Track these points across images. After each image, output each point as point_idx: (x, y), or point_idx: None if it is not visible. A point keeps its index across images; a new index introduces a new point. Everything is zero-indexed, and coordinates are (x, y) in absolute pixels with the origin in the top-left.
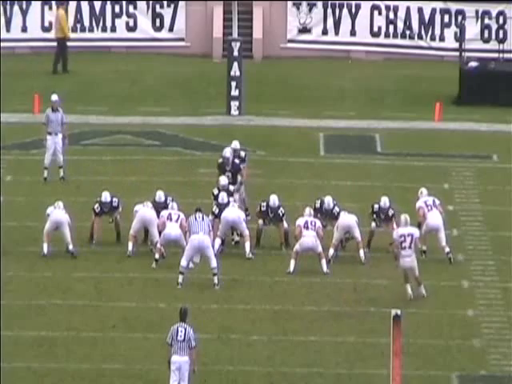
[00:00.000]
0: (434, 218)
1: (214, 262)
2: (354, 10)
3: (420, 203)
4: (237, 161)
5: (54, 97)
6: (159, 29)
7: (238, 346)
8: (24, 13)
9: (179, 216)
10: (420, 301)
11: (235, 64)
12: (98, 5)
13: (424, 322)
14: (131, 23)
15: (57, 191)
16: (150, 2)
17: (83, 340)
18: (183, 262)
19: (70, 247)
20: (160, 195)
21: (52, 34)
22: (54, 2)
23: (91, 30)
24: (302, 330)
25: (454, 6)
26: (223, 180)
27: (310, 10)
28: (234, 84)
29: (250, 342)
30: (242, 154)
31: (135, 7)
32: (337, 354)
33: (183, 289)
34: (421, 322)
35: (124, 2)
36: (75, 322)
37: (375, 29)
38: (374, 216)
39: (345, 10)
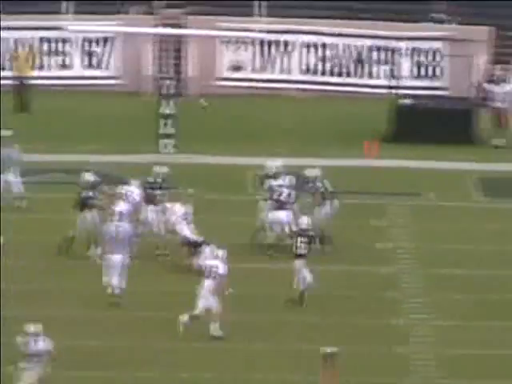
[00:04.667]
0: None
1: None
2: (284, 48)
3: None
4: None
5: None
6: (92, 67)
7: None
8: None
9: None
10: (355, 338)
11: (165, 102)
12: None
13: (358, 360)
14: (66, 61)
15: None
16: (84, 41)
17: None
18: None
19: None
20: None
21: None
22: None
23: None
24: None
25: (387, 43)
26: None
27: (241, 47)
28: (163, 122)
29: None
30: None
31: (69, 45)
32: None
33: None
34: (355, 359)
35: (57, 41)
36: None
37: (304, 67)
38: None
39: (275, 48)
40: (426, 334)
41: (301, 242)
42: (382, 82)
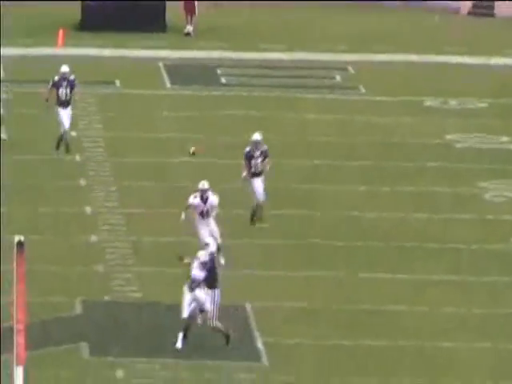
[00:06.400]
0: None
1: None
2: None
3: None
4: None
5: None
6: None
7: None
8: None
9: None
10: (41, 228)
11: None
12: None
13: (47, 249)
14: None
15: None
16: None
17: None
18: None
19: None
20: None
21: None
22: None
23: None
24: None
25: None
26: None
27: None
28: None
29: None
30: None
31: None
32: None
33: None
34: (44, 248)
35: None
36: None
37: None
38: None
39: None
40: (116, 222)
41: None
42: None
